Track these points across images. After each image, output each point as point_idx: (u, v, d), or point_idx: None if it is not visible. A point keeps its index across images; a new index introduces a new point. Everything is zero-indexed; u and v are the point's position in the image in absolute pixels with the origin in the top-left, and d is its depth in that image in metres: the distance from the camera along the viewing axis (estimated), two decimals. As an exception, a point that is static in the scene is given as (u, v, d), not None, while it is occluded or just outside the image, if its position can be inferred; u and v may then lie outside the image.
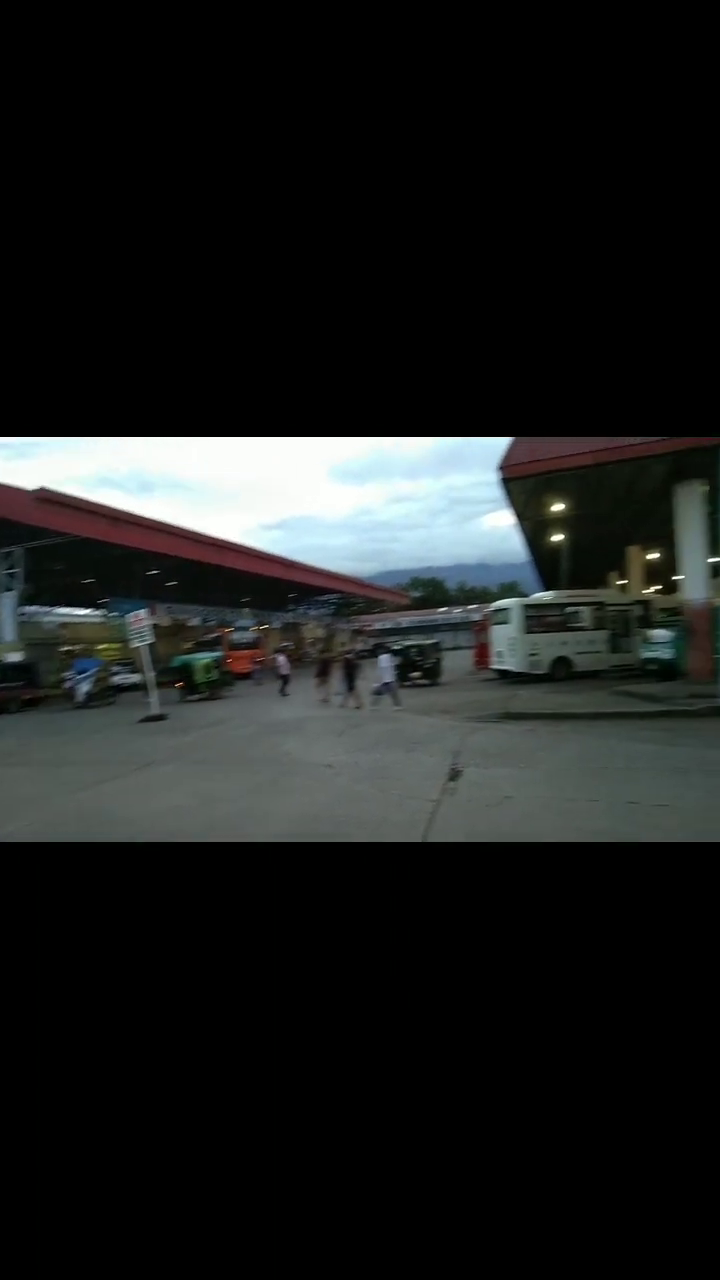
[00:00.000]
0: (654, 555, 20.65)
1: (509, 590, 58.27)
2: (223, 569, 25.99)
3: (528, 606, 15.00)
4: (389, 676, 12.00)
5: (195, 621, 30.63)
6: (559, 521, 16.28)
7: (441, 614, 67.16)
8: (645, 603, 16.67)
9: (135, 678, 20.14)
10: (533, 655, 14.26)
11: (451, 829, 4.17)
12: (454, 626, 55.01)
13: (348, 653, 15.63)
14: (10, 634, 20.59)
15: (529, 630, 14.40)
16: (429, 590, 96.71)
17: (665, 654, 12.38)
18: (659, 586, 24.59)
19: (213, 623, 30.98)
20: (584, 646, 14.56)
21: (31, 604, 24.55)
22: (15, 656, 19.86)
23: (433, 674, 16.86)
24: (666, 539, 14.51)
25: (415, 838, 4.03)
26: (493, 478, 12.09)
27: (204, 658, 18.71)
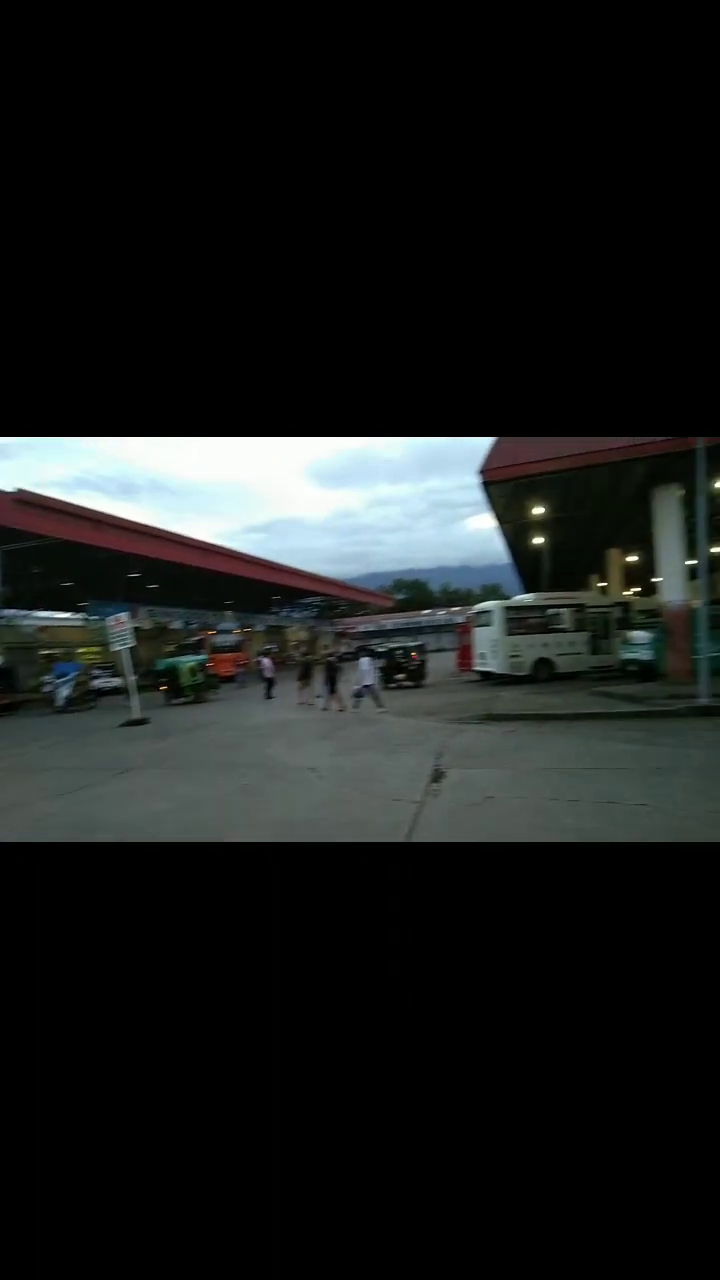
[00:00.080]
0: (633, 558, 20.96)
1: (491, 592, 58.66)
2: (205, 572, 25.82)
3: (509, 609, 15.11)
4: (370, 679, 12.01)
5: (177, 625, 30.36)
6: (539, 524, 16.45)
7: (425, 616, 67.32)
8: (625, 605, 16.93)
9: (116, 681, 19.89)
10: (515, 657, 14.37)
11: (435, 830, 4.19)
12: (437, 628, 55.20)
13: (329, 655, 15.62)
14: (-12, 638, 20.24)
15: (511, 632, 14.52)
16: (412, 592, 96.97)
17: (644, 655, 12.56)
18: (638, 589, 24.98)
19: (195, 626, 30.73)
20: (565, 648, 14.72)
21: (9, 607, 24.14)
22: (-7, 660, 19.54)
23: (418, 676, 16.92)
24: (645, 542, 14.73)
25: (399, 839, 4.04)
26: (474, 480, 12.20)
27: (189, 661, 18.52)
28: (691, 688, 9.36)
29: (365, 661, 12.44)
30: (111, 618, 14.26)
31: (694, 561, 12.87)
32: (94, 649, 28.17)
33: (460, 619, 28.66)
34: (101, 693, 20.53)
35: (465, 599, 70.82)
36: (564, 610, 15.17)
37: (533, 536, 17.83)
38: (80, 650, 28.43)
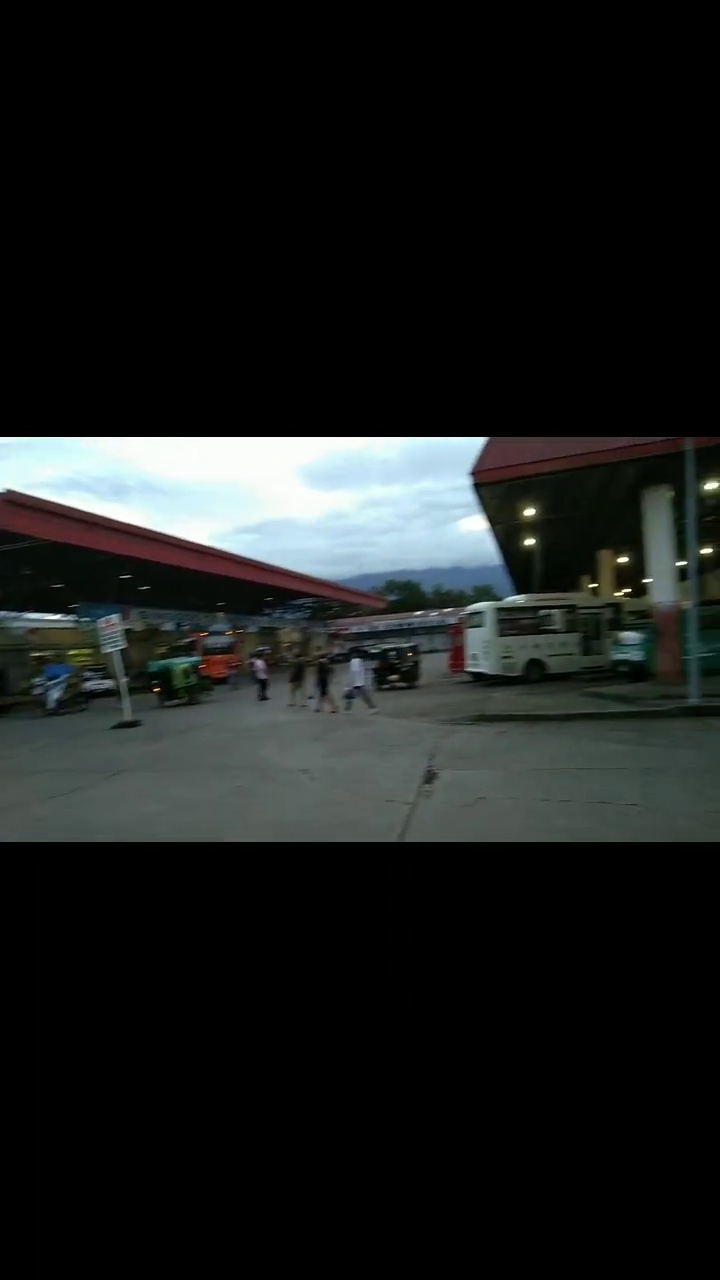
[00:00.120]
0: (624, 559, 21.08)
1: (483, 594, 58.78)
2: (198, 573, 25.73)
3: (501, 610, 15.16)
4: (360, 680, 12.02)
5: (169, 626, 30.21)
6: (531, 526, 16.52)
7: (418, 617, 67.39)
8: (616, 605, 17.00)
9: (108, 683, 19.78)
10: (507, 658, 14.42)
11: (427, 831, 4.19)
12: (430, 629, 55.27)
13: (321, 657, 15.61)
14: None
15: (503, 633, 14.57)
16: (405, 593, 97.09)
17: (635, 656, 12.63)
18: (629, 590, 25.11)
19: (187, 627, 30.59)
20: (557, 649, 14.78)
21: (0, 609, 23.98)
22: (-17, 663, 19.39)
23: (411, 677, 16.94)
24: (636, 543, 14.82)
25: (392, 839, 4.04)
26: (466, 482, 12.19)
27: (182, 662, 18.45)
28: (682, 688, 9.43)
29: (356, 663, 12.46)
30: (103, 620, 14.18)
31: (684, 563, 12.94)
32: (85, 651, 27.98)
33: (453, 620, 28.71)
34: (93, 695, 20.43)
35: (457, 600, 70.91)
36: (556, 611, 15.23)
37: (524, 538, 17.90)
38: (71, 652, 28.25)
